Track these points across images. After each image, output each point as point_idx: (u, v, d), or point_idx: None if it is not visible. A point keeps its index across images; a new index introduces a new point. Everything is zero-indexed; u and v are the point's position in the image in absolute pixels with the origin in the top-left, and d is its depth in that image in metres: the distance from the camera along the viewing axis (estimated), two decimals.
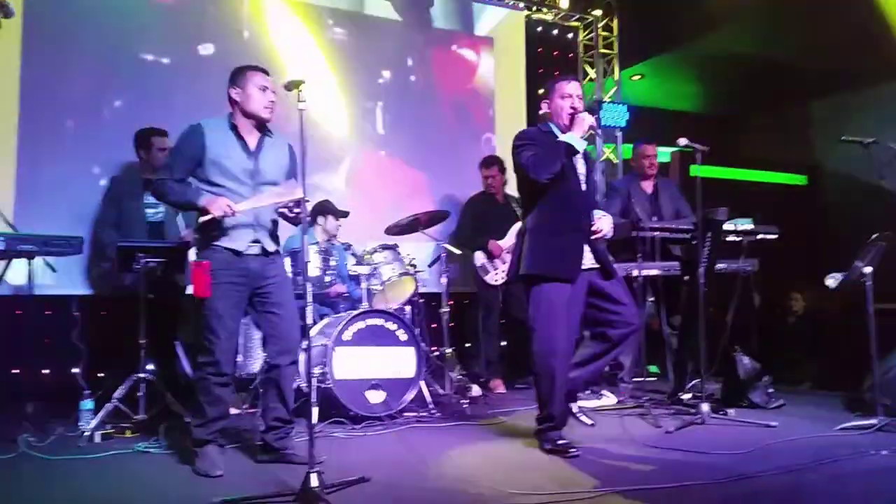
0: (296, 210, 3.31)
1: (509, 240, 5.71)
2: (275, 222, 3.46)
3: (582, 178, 3.68)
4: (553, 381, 3.51)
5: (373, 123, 6.33)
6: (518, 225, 5.67)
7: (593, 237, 3.62)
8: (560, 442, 3.49)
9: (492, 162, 5.97)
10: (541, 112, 3.76)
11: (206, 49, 5.65)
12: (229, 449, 3.52)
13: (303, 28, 6.08)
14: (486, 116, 6.87)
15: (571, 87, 3.65)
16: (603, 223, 3.63)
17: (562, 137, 3.53)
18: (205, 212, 3.17)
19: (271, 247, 3.40)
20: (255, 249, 3.32)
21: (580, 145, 3.53)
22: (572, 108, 3.60)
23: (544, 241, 3.58)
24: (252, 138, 3.37)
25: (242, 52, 5.43)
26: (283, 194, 3.28)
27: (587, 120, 3.53)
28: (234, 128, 3.34)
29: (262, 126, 3.40)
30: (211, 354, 3.24)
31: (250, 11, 5.86)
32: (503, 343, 6.04)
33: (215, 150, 3.27)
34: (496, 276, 5.71)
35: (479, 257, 5.76)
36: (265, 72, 3.39)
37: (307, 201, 3.26)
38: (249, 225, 3.30)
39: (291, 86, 2.93)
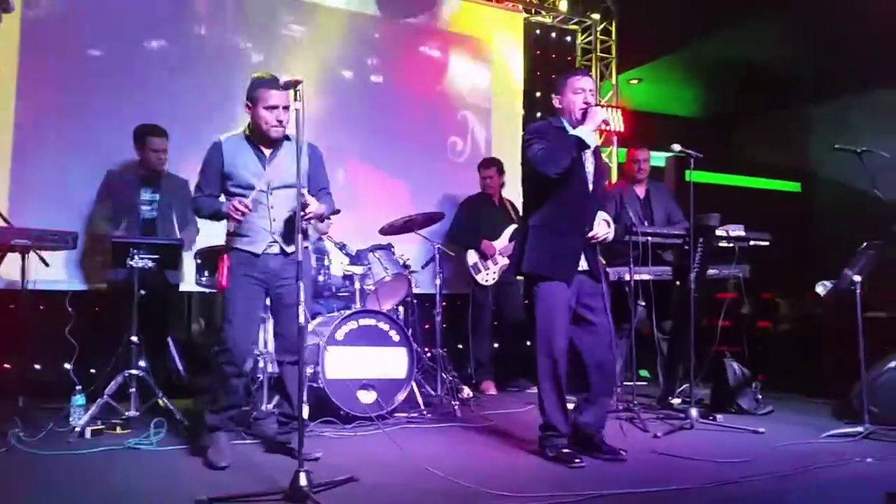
0: (306, 219, 3.38)
1: (503, 241, 5.73)
2: (288, 223, 3.44)
3: (590, 176, 3.57)
4: (551, 382, 3.44)
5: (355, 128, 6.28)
6: (513, 227, 5.73)
7: (590, 240, 3.55)
8: (565, 451, 3.42)
9: (490, 163, 5.98)
10: (556, 106, 3.61)
11: (158, 44, 5.53)
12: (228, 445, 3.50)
13: (259, 22, 5.89)
14: (484, 116, 6.89)
15: (584, 82, 3.56)
16: (601, 228, 3.54)
17: (573, 131, 3.44)
18: (229, 217, 3.37)
19: (290, 248, 3.47)
20: (275, 249, 3.44)
21: (591, 140, 3.43)
22: (585, 102, 3.51)
23: (544, 240, 3.51)
24: (267, 145, 3.45)
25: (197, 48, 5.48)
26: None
27: (600, 114, 3.43)
28: (247, 138, 3.45)
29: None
30: (224, 343, 3.39)
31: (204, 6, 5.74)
32: (495, 345, 6.05)
33: (231, 161, 3.42)
34: (487, 276, 5.73)
35: (472, 256, 5.79)
36: (278, 84, 3.27)
37: (317, 218, 3.57)
38: (266, 230, 3.43)
39: (288, 86, 2.95)
